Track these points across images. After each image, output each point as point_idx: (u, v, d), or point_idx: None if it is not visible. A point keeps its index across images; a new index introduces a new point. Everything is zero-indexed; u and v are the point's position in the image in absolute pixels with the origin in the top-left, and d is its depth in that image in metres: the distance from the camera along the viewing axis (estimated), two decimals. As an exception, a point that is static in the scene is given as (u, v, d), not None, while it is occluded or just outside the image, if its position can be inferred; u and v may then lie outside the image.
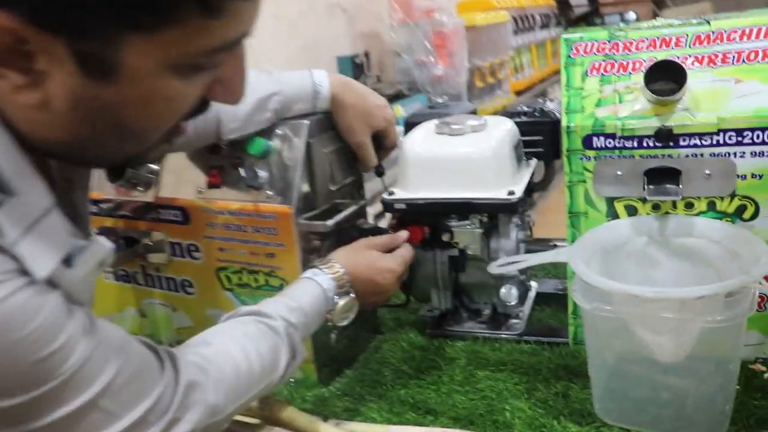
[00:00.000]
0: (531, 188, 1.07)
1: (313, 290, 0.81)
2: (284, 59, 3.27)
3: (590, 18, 7.69)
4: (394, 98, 3.50)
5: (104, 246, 0.56)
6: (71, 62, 0.48)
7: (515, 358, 0.96)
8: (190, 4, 0.47)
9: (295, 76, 0.94)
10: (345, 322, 0.85)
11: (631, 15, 7.22)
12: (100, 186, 1.05)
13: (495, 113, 3.68)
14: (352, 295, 0.85)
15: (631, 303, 0.71)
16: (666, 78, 0.82)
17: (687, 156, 0.83)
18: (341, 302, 0.83)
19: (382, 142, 1.03)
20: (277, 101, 0.91)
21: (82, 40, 0.47)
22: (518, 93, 4.89)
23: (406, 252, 0.94)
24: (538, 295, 1.13)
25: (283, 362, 0.72)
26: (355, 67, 3.48)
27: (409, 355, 1.01)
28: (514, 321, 1.04)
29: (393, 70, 3.91)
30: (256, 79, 0.91)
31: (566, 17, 7.88)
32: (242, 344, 0.68)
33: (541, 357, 0.96)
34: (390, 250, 0.93)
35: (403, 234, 0.96)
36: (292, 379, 0.98)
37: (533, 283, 1.15)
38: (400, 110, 3.41)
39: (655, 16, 8.02)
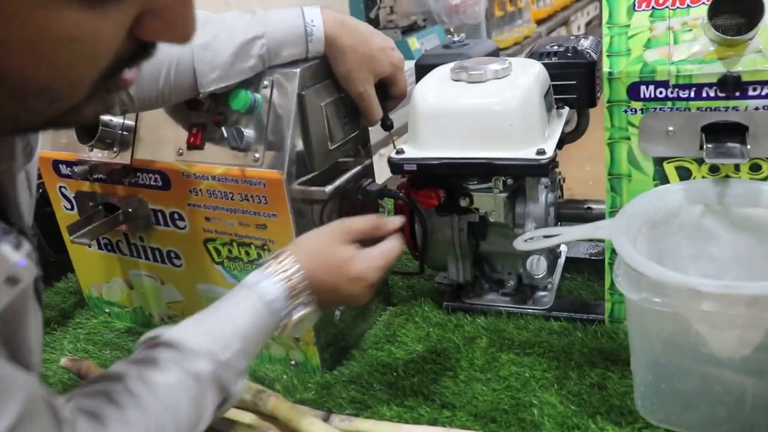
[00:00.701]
0: (561, 140, 0.93)
1: (253, 306, 0.63)
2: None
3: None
4: (408, 30, 3.31)
5: (7, 259, 0.40)
6: None
7: (543, 339, 0.85)
8: None
9: (284, 15, 0.78)
10: (300, 333, 0.71)
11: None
12: (73, 146, 0.94)
13: (516, 43, 3.43)
14: (310, 307, 0.66)
15: (690, 297, 0.58)
16: (734, 12, 0.67)
17: (757, 109, 0.68)
18: (294, 316, 0.65)
19: (389, 91, 0.88)
20: (262, 45, 0.76)
21: None
22: (539, 21, 4.63)
23: (391, 248, 0.72)
24: (568, 260, 1.01)
25: (208, 412, 0.57)
26: (367, -1, 3.28)
27: (424, 333, 0.90)
28: (542, 294, 0.92)
29: (406, 0, 3.69)
30: (236, 21, 0.77)
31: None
32: (157, 413, 0.53)
33: (573, 337, 0.84)
34: (377, 239, 0.73)
35: (396, 221, 0.76)
36: (293, 361, 0.88)
37: (562, 248, 1.02)
38: (416, 43, 3.22)
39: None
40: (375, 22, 3.35)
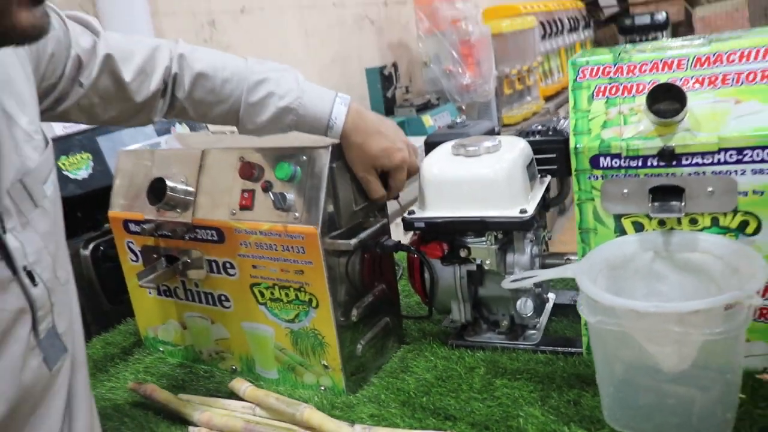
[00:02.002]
0: (546, 204, 1.12)
1: None
2: (316, 72, 3.36)
3: (620, 18, 7.63)
4: (422, 108, 3.56)
5: None
6: None
7: (531, 367, 1.01)
8: None
9: (316, 98, 0.97)
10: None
11: (662, 15, 7.16)
12: (141, 208, 1.14)
13: (525, 119, 3.69)
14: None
15: (632, 317, 0.76)
16: (668, 99, 0.87)
17: (689, 174, 0.87)
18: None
19: (387, 182, 1.06)
20: (292, 119, 0.96)
21: None
22: (548, 98, 4.91)
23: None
24: (556, 306, 1.18)
25: None
26: (384, 79, 3.55)
27: (432, 365, 1.07)
28: (531, 332, 1.09)
29: (421, 79, 3.97)
30: (286, 82, 0.96)
31: (595, 19, 7.85)
32: None
33: (555, 366, 1.01)
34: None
35: None
36: (322, 387, 1.04)
37: (551, 295, 1.20)
38: (429, 120, 3.47)
39: (687, 14, 7.93)
40: (392, 101, 3.62)
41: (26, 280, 0.69)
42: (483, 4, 4.59)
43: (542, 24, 5.10)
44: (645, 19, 7.27)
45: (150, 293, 1.21)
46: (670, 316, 0.74)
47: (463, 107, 3.91)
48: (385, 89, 3.57)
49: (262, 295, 1.05)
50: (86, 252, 1.50)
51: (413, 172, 1.06)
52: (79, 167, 1.50)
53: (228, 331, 1.13)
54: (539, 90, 4.80)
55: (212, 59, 0.97)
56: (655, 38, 7.10)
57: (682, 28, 8.06)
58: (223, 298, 1.11)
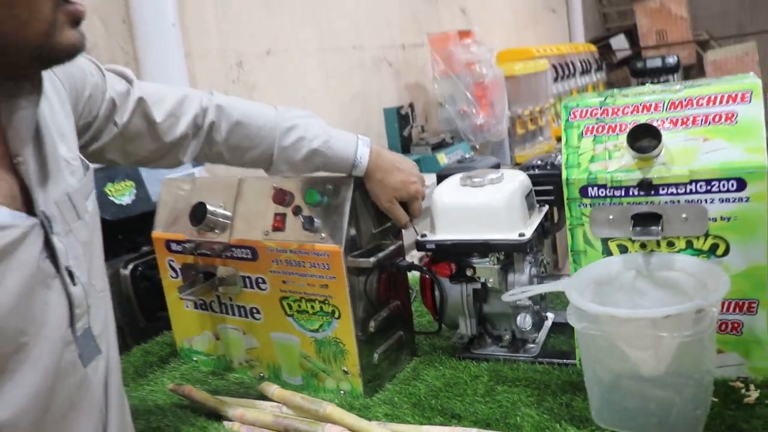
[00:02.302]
0: (545, 231, 1.25)
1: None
2: (336, 111, 3.53)
3: (632, 61, 7.81)
4: (437, 146, 3.71)
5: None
6: None
7: (529, 376, 1.13)
8: None
9: (343, 142, 1.12)
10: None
11: (673, 59, 7.32)
12: (182, 229, 1.28)
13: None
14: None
15: (613, 323, 0.88)
16: (646, 137, 1.00)
17: (666, 202, 1.00)
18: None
19: (407, 209, 1.20)
20: (321, 162, 1.11)
21: None
22: (559, 138, 5.03)
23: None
24: (554, 324, 1.30)
25: None
26: (401, 118, 3.71)
27: (441, 373, 1.19)
28: (530, 345, 1.21)
29: (437, 119, 4.13)
30: (313, 128, 1.11)
31: (608, 61, 8.04)
32: None
33: (551, 375, 1.12)
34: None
35: None
36: (342, 390, 1.16)
37: (550, 314, 1.32)
38: (444, 158, 3.61)
39: (698, 58, 8.09)
40: (408, 139, 3.77)
41: (67, 279, 0.77)
42: (497, 48, 4.78)
43: (555, 67, 5.28)
44: (656, 62, 7.44)
45: (187, 306, 1.34)
46: (645, 321, 0.86)
47: (477, 146, 4.05)
48: (402, 128, 3.73)
49: (290, 307, 1.18)
50: (126, 272, 1.64)
51: (423, 199, 1.20)
52: (123, 193, 1.65)
53: (258, 341, 1.26)
54: (551, 130, 4.94)
55: (247, 108, 1.11)
56: (666, 81, 7.26)
57: (694, 71, 8.22)
58: (254, 310, 1.24)
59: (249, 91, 3.01)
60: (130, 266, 1.64)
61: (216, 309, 1.30)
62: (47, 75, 0.81)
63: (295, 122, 1.11)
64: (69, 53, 0.72)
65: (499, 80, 4.06)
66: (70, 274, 0.78)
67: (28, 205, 0.74)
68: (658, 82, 7.30)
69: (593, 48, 7.15)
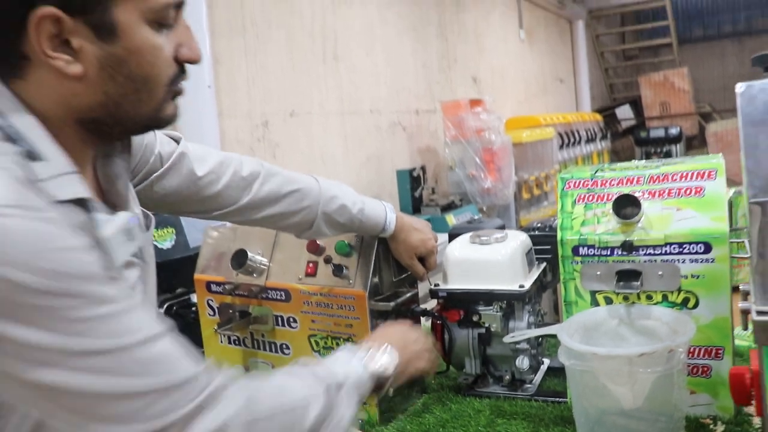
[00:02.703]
0: (543, 286, 1.43)
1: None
2: (353, 171, 3.76)
3: (636, 131, 8.08)
4: (446, 208, 3.91)
5: (124, 217, 0.80)
6: (90, 34, 0.73)
7: (526, 411, 1.28)
8: None
9: (374, 209, 1.28)
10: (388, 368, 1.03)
11: (676, 129, 7.58)
12: (223, 272, 1.46)
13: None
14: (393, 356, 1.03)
15: (596, 360, 1.04)
16: (629, 206, 1.18)
17: (645, 261, 1.17)
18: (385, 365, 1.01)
19: (423, 263, 1.39)
20: (357, 226, 1.27)
21: (92, 13, 0.73)
22: (563, 203, 5.22)
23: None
24: (549, 368, 1.45)
25: (313, 413, 0.82)
26: (412, 180, 3.92)
27: (448, 408, 1.34)
28: (528, 385, 1.37)
29: (446, 182, 4.35)
30: (351, 196, 1.26)
31: (613, 131, 8.30)
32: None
33: (545, 411, 1.28)
34: None
35: None
36: (360, 420, 1.32)
37: (546, 360, 1.47)
38: (452, 219, 3.80)
39: (701, 128, 8.35)
40: (419, 200, 3.98)
41: None
42: (507, 115, 5.04)
43: (560, 135, 5.52)
44: (659, 133, 7.71)
45: (221, 341, 1.50)
46: (622, 358, 1.02)
47: (484, 209, 4.25)
48: (414, 189, 3.94)
49: (317, 344, 1.35)
50: (161, 311, 1.81)
51: (431, 268, 1.39)
52: (165, 239, 1.84)
53: (286, 375, 1.42)
54: (556, 195, 5.13)
55: (292, 178, 1.23)
56: (669, 151, 7.51)
57: (696, 141, 8.48)
58: (284, 346, 1.40)
59: (272, 149, 3.23)
60: (165, 306, 1.81)
61: (248, 344, 1.46)
62: None
63: (335, 192, 1.25)
64: (168, 122, 0.86)
65: (507, 146, 4.29)
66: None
67: None
68: (662, 152, 7.56)
69: (599, 117, 7.40)
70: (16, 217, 0.65)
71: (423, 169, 4.08)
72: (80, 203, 0.75)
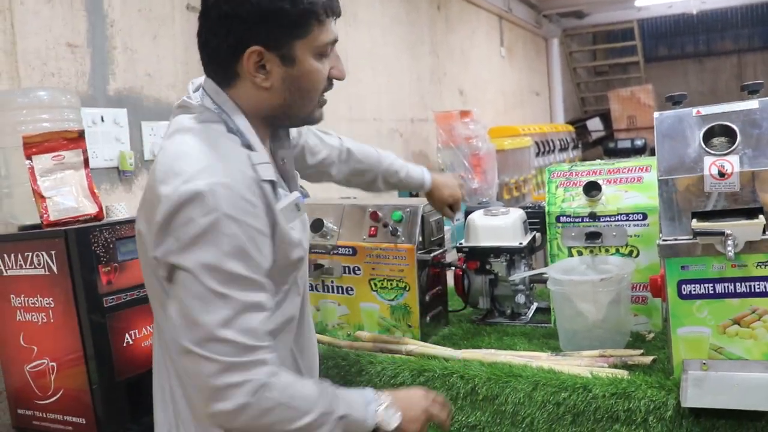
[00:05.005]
0: (534, 248, 2.01)
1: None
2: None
3: (605, 142, 8.75)
4: (440, 203, 4.48)
5: (297, 194, 1.20)
6: (278, 61, 1.12)
7: (523, 331, 1.86)
8: (315, 21, 1.13)
9: (416, 169, 1.79)
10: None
11: (641, 141, 8.25)
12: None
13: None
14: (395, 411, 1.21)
15: (571, 284, 1.62)
16: (593, 189, 1.76)
17: (604, 226, 1.75)
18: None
19: (452, 209, 1.91)
20: (404, 184, 1.79)
21: (281, 49, 1.12)
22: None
23: (441, 408, 1.30)
24: (537, 308, 2.03)
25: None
26: (411, 179, 4.49)
27: (466, 330, 1.90)
28: (523, 316, 1.95)
29: (439, 182, 4.91)
30: (398, 162, 1.79)
31: (584, 141, 8.97)
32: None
33: (536, 331, 1.85)
34: None
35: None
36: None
37: (535, 303, 2.05)
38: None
39: (664, 142, 9.03)
40: (415, 197, 4.54)
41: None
42: (489, 125, 5.63)
43: (537, 144, 6.14)
44: (626, 144, 8.38)
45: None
46: (589, 282, 1.60)
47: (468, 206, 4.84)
48: (411, 195, 4.50)
49: (376, 285, 1.90)
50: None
51: (464, 198, 1.91)
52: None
53: (349, 309, 1.97)
54: (533, 197, 5.76)
55: (363, 149, 1.77)
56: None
57: (660, 153, 9.18)
58: (349, 289, 1.95)
59: (295, 151, 3.77)
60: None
61: (320, 289, 2.01)
62: None
63: (391, 160, 1.77)
64: (317, 121, 1.25)
65: (491, 153, 4.89)
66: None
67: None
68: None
69: (571, 128, 8.04)
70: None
71: (419, 170, 4.64)
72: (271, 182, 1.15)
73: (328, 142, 1.70)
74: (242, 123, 1.16)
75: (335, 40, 1.19)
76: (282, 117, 1.22)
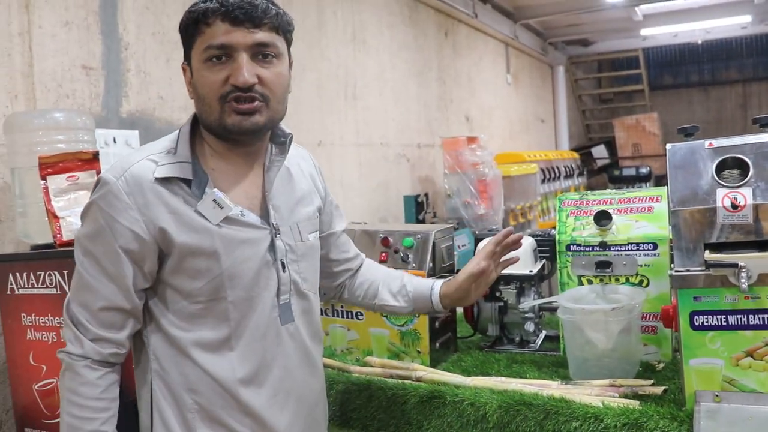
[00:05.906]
0: (543, 276, 2.01)
1: None
2: (366, 195, 4.33)
3: (610, 169, 8.77)
4: (446, 228, 4.49)
5: (216, 192, 1.24)
6: (190, 72, 1.27)
7: (532, 359, 1.85)
8: (204, 26, 1.21)
9: (421, 284, 1.59)
10: None
11: (646, 169, 8.27)
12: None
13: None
14: None
15: (582, 314, 1.62)
16: (604, 219, 1.77)
17: (614, 255, 1.76)
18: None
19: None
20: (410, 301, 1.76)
21: (189, 59, 1.26)
22: (545, 230, 5.84)
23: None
24: (546, 336, 2.03)
25: None
26: (417, 205, 4.51)
27: (476, 358, 1.90)
28: (532, 344, 1.94)
29: (445, 208, 4.94)
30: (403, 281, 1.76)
31: (589, 168, 8.99)
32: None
33: (545, 359, 1.85)
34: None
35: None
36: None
37: (543, 331, 2.05)
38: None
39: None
40: (421, 222, 4.56)
41: (280, 267, 1.31)
42: (495, 151, 5.66)
43: (543, 170, 6.17)
44: (631, 171, 8.40)
45: (309, 313, 2.05)
46: (600, 311, 1.60)
47: (477, 233, 4.85)
48: (418, 213, 4.53)
49: (385, 310, 1.90)
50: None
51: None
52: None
53: (358, 334, 1.97)
54: (538, 224, 5.77)
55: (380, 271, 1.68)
56: (640, 188, 8.18)
57: (665, 180, 9.20)
58: (359, 314, 1.95)
59: (303, 175, 3.79)
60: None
61: (329, 314, 2.01)
62: (304, 162, 1.51)
63: (404, 281, 1.59)
64: (232, 131, 1.24)
65: (497, 179, 4.91)
66: (283, 265, 1.32)
67: (264, 215, 1.32)
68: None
69: (576, 155, 8.07)
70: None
71: (426, 195, 4.66)
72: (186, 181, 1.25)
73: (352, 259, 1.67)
74: (184, 129, 1.31)
75: (224, 45, 1.21)
76: (206, 126, 1.29)
